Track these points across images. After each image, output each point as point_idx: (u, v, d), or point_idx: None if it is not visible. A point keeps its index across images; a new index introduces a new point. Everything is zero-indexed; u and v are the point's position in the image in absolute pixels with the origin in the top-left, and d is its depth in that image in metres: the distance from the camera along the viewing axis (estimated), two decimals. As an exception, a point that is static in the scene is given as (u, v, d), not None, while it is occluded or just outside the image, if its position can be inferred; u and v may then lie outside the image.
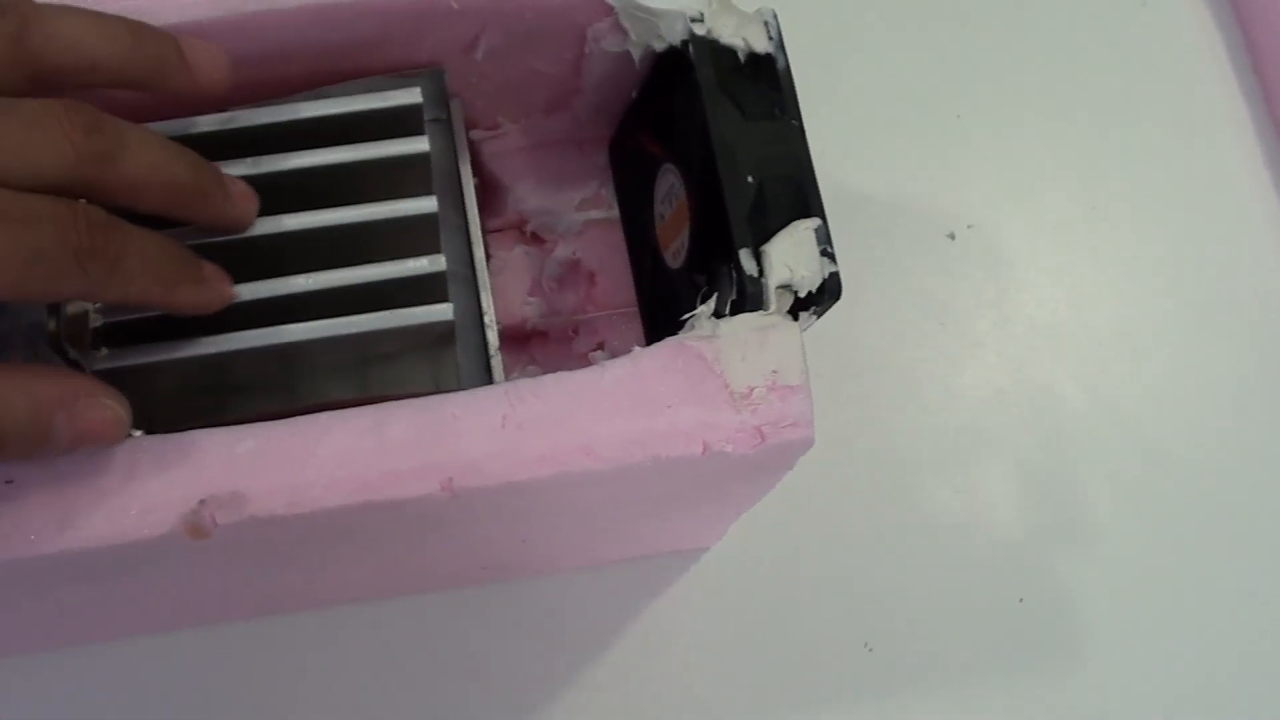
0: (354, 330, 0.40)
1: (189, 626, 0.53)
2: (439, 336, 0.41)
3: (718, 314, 0.39)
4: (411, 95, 0.41)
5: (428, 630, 0.51)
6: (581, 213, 0.49)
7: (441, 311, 0.40)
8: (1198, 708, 0.53)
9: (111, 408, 0.34)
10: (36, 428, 0.32)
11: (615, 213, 0.49)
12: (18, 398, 0.32)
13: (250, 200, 0.39)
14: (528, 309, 0.48)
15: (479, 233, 0.43)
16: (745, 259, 0.38)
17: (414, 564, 0.47)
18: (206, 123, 0.41)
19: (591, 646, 0.51)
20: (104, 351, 0.39)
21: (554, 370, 0.46)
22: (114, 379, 0.39)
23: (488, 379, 0.43)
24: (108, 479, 0.36)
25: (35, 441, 0.33)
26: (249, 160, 0.40)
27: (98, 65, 0.34)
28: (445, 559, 0.47)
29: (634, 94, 0.45)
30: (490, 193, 0.49)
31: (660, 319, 0.46)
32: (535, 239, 0.49)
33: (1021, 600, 0.53)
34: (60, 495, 0.36)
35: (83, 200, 0.32)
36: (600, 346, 0.48)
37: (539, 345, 0.48)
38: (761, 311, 0.38)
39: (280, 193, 0.40)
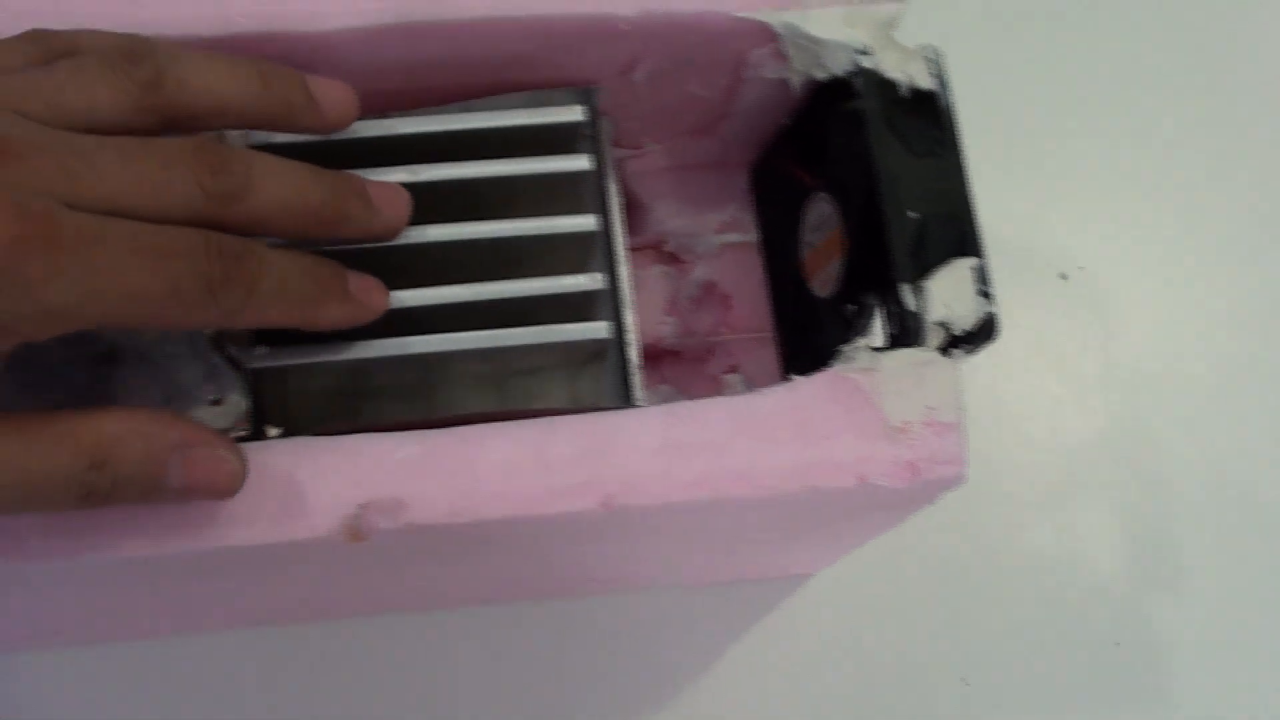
0: (509, 343, 0.40)
1: (277, 623, 0.53)
2: (588, 354, 0.42)
3: (876, 347, 0.39)
4: (573, 113, 0.41)
5: (530, 638, 0.51)
6: (720, 235, 0.49)
7: (596, 329, 0.40)
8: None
9: (228, 460, 0.34)
10: (149, 472, 0.32)
11: (754, 237, 0.49)
12: (134, 440, 0.32)
13: (400, 204, 0.38)
14: (663, 328, 0.49)
15: (625, 252, 0.43)
16: (906, 294, 0.38)
17: (530, 574, 0.47)
18: (366, 128, 0.41)
19: (693, 665, 0.51)
20: (261, 350, 0.39)
21: (687, 391, 0.47)
22: (268, 377, 0.40)
23: (626, 397, 0.43)
24: (270, 479, 0.36)
25: (147, 487, 0.32)
26: (407, 168, 0.40)
27: (228, 109, 0.35)
28: (561, 570, 0.47)
29: (785, 121, 0.45)
30: (630, 211, 0.49)
31: (799, 346, 0.47)
32: (673, 259, 0.49)
33: (1118, 644, 0.54)
34: (221, 493, 0.36)
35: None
36: (733, 369, 0.48)
37: (671, 365, 0.48)
38: (919, 347, 0.39)
39: (430, 202, 0.41)
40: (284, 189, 0.34)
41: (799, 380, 0.38)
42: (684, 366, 0.48)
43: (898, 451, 0.38)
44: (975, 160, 0.59)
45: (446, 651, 0.52)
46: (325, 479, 0.36)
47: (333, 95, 0.37)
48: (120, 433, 0.32)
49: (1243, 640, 0.54)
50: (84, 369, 0.38)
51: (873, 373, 0.38)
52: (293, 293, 0.34)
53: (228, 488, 0.34)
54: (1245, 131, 0.62)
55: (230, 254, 0.32)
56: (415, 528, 0.36)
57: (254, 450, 0.37)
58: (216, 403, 0.38)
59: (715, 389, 0.48)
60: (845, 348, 0.39)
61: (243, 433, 0.38)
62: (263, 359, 0.39)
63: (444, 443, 0.37)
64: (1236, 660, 0.54)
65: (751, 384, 0.48)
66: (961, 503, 0.55)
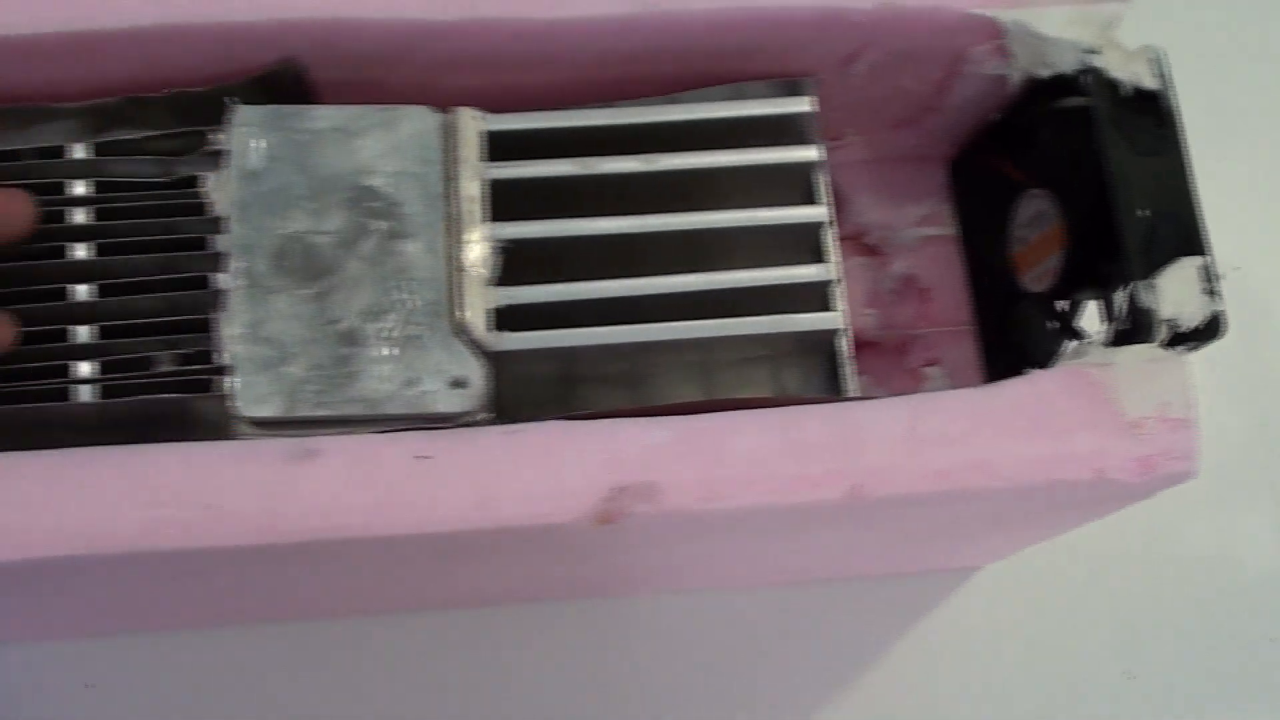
0: (739, 332, 0.40)
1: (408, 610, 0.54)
2: (806, 343, 0.42)
3: (1108, 344, 0.39)
4: (802, 104, 0.42)
5: (706, 626, 0.52)
6: (919, 229, 0.50)
7: (829, 320, 0.41)
8: None
9: None
10: None
11: (952, 231, 0.50)
12: None
13: (16, 205, 0.38)
14: (864, 320, 0.49)
15: (837, 243, 0.43)
16: (1139, 291, 0.39)
17: (727, 563, 0.48)
18: (600, 115, 0.41)
19: (866, 657, 0.52)
20: (504, 334, 0.39)
21: (885, 383, 0.47)
22: (507, 360, 0.40)
23: (836, 387, 0.43)
24: (525, 461, 0.36)
25: None
26: (642, 158, 0.41)
27: None
28: (764, 560, 0.48)
29: (994, 117, 0.45)
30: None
31: (1001, 341, 0.47)
32: (873, 251, 0.49)
33: (1273, 640, 0.54)
34: (476, 474, 0.37)
35: None
36: (933, 363, 0.49)
37: (870, 356, 0.49)
38: (1150, 344, 0.39)
39: (671, 190, 0.41)
40: None
41: (1036, 374, 0.38)
42: (883, 358, 0.49)
43: (1133, 446, 0.38)
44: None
45: (642, 639, 0.52)
46: (581, 462, 0.36)
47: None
48: None
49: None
50: (326, 349, 0.38)
51: (1108, 368, 0.39)
52: None
53: None
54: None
55: None
56: (665, 513, 0.37)
57: (504, 432, 0.37)
58: (459, 385, 0.38)
59: (914, 382, 0.48)
60: (1073, 344, 0.40)
61: (490, 415, 0.38)
62: (504, 344, 0.39)
63: (694, 429, 0.37)
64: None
65: (952, 377, 0.49)
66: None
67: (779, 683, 0.52)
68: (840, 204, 0.49)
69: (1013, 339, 0.45)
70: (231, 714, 0.51)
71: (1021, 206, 0.44)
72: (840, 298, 0.43)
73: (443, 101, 0.41)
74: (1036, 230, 0.44)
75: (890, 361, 0.49)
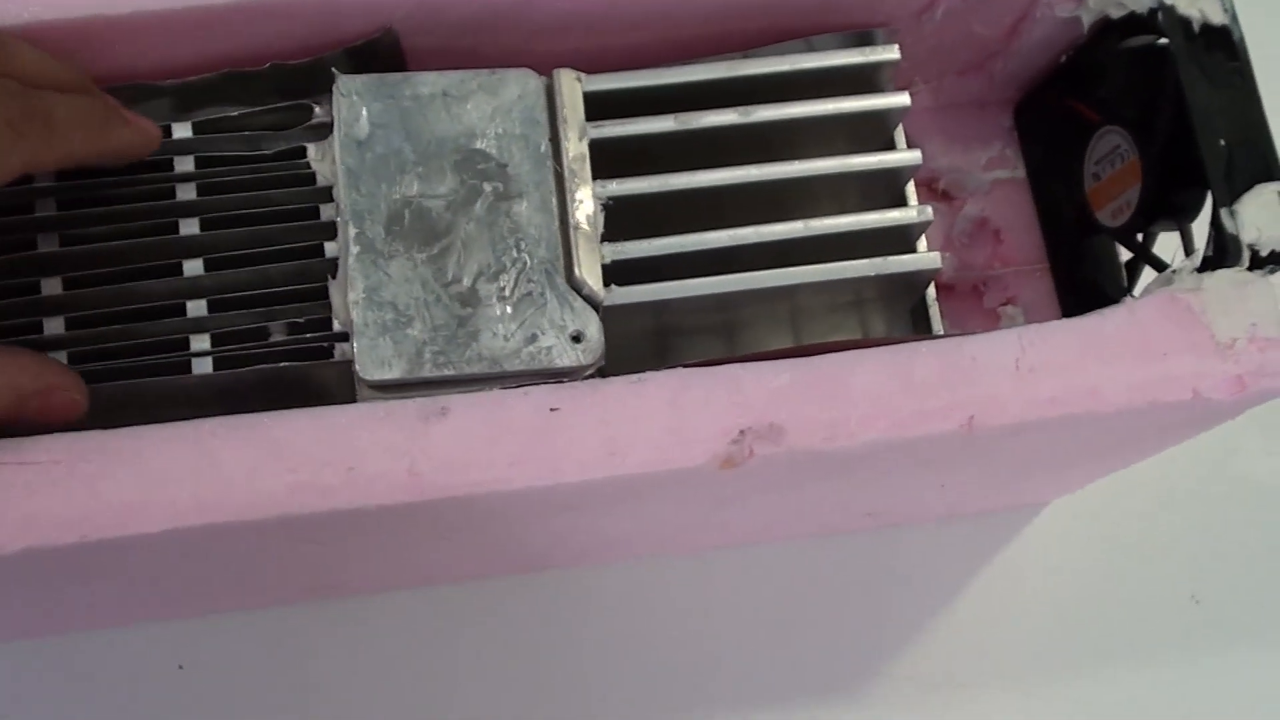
0: (843, 276, 0.41)
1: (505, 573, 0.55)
2: (893, 286, 0.43)
3: (1198, 269, 0.41)
4: (890, 52, 0.43)
5: (789, 575, 0.53)
6: (988, 172, 0.51)
7: (929, 260, 0.42)
8: None
9: (76, 401, 0.38)
10: (15, 415, 0.37)
11: (1020, 173, 0.51)
12: (3, 391, 0.36)
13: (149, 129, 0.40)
14: (941, 263, 0.50)
15: (912, 187, 0.45)
16: (1225, 218, 0.40)
17: (826, 507, 0.49)
18: (696, 71, 0.42)
19: (943, 594, 0.54)
20: (613, 289, 0.40)
21: (964, 325, 0.49)
22: (613, 314, 0.41)
23: (922, 328, 0.44)
24: (652, 409, 0.37)
25: (10, 424, 0.37)
26: (739, 110, 0.42)
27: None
28: (849, 504, 0.49)
29: (1062, 59, 0.47)
30: (901, 149, 0.50)
31: (1078, 276, 0.49)
32: (945, 196, 0.51)
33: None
34: (606, 423, 0.38)
35: None
36: (1009, 302, 0.50)
37: (947, 299, 0.50)
38: (1237, 268, 0.41)
39: (770, 141, 0.42)
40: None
41: (1133, 302, 0.40)
42: (960, 301, 0.50)
43: (1227, 366, 0.40)
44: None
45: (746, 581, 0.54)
46: (706, 407, 0.37)
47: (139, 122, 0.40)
48: None
49: None
50: (445, 310, 0.39)
51: (1199, 292, 0.40)
52: (86, 119, 0.38)
53: (73, 418, 0.38)
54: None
55: (18, 93, 0.36)
56: (793, 453, 0.38)
57: (629, 381, 0.38)
58: (577, 339, 0.39)
59: (993, 321, 0.50)
60: (1164, 273, 0.41)
61: (601, 364, 0.39)
62: (616, 298, 0.40)
63: (813, 370, 0.38)
64: None
65: (1028, 315, 0.50)
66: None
67: (855, 628, 0.53)
68: (911, 151, 0.51)
69: (1086, 274, 0.47)
70: (338, 685, 0.52)
71: (1095, 144, 0.46)
72: (921, 239, 0.44)
73: (538, 65, 0.41)
74: (1111, 166, 0.45)
75: (968, 303, 0.50)
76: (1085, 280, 0.47)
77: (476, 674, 0.52)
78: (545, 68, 0.42)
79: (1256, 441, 0.58)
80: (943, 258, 0.51)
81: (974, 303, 0.50)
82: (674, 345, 0.46)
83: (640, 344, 0.45)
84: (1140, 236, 0.45)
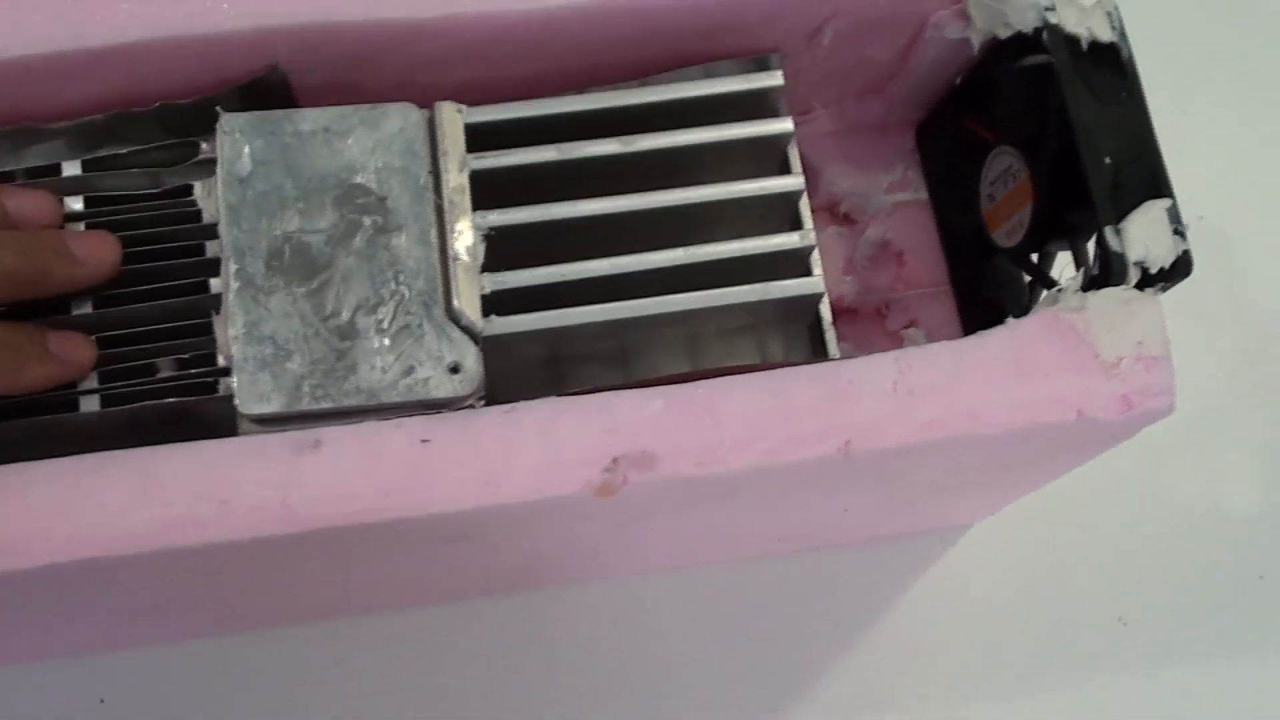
0: (723, 303, 0.41)
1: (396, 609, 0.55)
2: (788, 310, 0.43)
3: (1081, 289, 0.40)
4: (775, 78, 0.43)
5: (710, 600, 0.53)
6: (890, 195, 0.51)
7: (810, 285, 0.42)
8: None
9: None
10: None
11: (923, 195, 0.51)
12: None
13: (105, 250, 0.40)
14: (842, 287, 0.50)
15: (809, 213, 0.45)
16: (1110, 236, 0.40)
17: (728, 533, 0.49)
18: (578, 102, 0.42)
19: (864, 618, 0.53)
20: (493, 319, 0.40)
21: (866, 348, 0.48)
22: (497, 344, 0.41)
23: (820, 352, 0.44)
24: (523, 438, 0.37)
25: None
26: (620, 139, 0.42)
27: None
28: (741, 533, 0.49)
29: (957, 80, 0.47)
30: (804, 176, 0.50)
31: (977, 297, 0.48)
32: (847, 220, 0.51)
33: (1261, 577, 0.56)
34: (478, 453, 0.38)
35: None
36: (912, 324, 0.50)
37: (850, 322, 0.50)
38: (1123, 286, 0.40)
39: (652, 170, 0.42)
40: None
41: (1015, 322, 0.39)
42: (863, 324, 0.50)
43: (1112, 386, 0.39)
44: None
45: (628, 619, 0.53)
46: (578, 435, 0.38)
47: (92, 249, 0.39)
48: None
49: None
50: (324, 343, 0.39)
51: (1083, 311, 0.40)
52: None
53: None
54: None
55: None
56: (664, 480, 0.38)
57: (502, 412, 0.38)
58: (454, 370, 0.39)
59: (895, 344, 0.50)
60: (1048, 291, 0.41)
61: (482, 397, 0.40)
62: (495, 328, 0.40)
63: (686, 397, 0.38)
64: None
65: (931, 337, 0.50)
66: (1103, 447, 0.57)
67: (777, 653, 0.53)
68: (811, 176, 0.51)
69: (988, 295, 0.47)
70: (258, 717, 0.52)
71: (989, 164, 0.46)
72: (817, 263, 0.44)
73: (423, 98, 0.42)
74: (1005, 186, 0.45)
75: (871, 326, 0.50)
76: (987, 301, 0.47)
77: (392, 703, 0.52)
78: (433, 100, 0.42)
79: (1181, 461, 0.57)
80: (845, 281, 0.52)
81: (877, 325, 0.50)
82: (569, 374, 0.46)
83: (535, 373, 0.45)
84: (1037, 257, 0.45)
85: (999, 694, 0.53)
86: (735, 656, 0.53)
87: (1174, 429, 0.57)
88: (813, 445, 0.38)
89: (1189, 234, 0.61)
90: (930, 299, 0.50)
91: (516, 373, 0.43)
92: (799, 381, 0.38)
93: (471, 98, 0.42)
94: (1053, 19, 0.42)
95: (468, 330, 0.40)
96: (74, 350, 0.39)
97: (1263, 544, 0.56)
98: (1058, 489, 0.55)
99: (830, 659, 0.53)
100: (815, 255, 0.43)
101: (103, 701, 0.52)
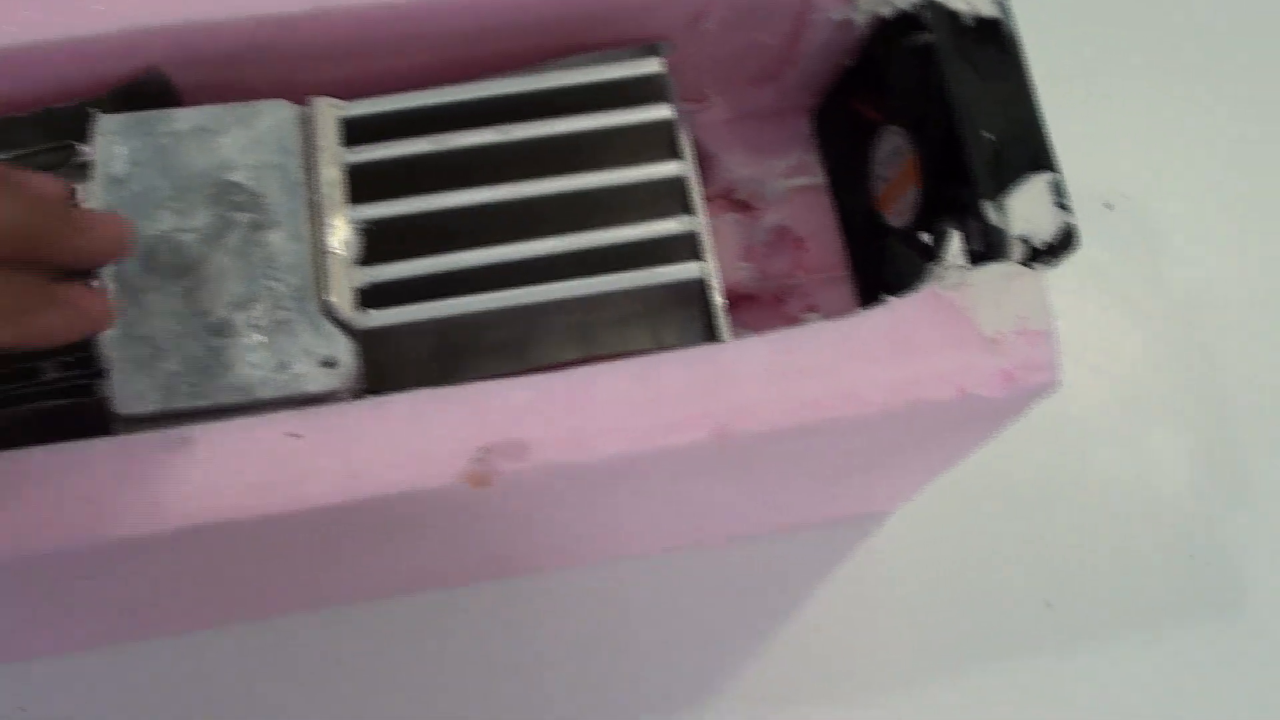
0: (602, 290, 0.41)
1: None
2: (672, 299, 0.43)
3: (964, 265, 0.40)
4: (651, 65, 0.42)
5: (615, 596, 0.53)
6: (788, 180, 0.51)
7: (689, 270, 0.41)
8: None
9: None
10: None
11: (820, 180, 0.51)
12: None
13: (115, 225, 0.36)
14: (740, 274, 0.50)
15: (702, 200, 0.44)
16: (989, 211, 0.40)
17: (621, 523, 0.48)
18: (454, 93, 0.42)
19: (780, 612, 0.52)
20: (370, 312, 0.40)
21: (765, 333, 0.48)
22: (375, 340, 0.41)
23: (712, 338, 0.44)
24: (392, 430, 0.37)
25: None
26: (497, 128, 0.42)
27: None
28: (655, 518, 0.48)
29: (848, 62, 0.46)
30: (700, 163, 0.50)
31: (874, 280, 0.48)
32: (744, 206, 0.50)
33: (1191, 557, 0.55)
34: (346, 446, 0.37)
35: None
36: (812, 309, 0.50)
37: (748, 309, 0.49)
38: (1005, 261, 0.40)
39: (530, 158, 0.42)
40: None
41: (894, 301, 0.39)
42: (762, 310, 0.50)
43: (994, 361, 0.39)
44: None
45: (523, 621, 0.53)
46: (446, 426, 0.37)
47: (101, 221, 0.36)
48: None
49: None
50: (198, 341, 0.39)
51: (964, 288, 0.39)
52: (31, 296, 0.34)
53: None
54: None
55: None
56: (536, 469, 0.37)
57: (372, 405, 0.38)
58: (329, 364, 0.39)
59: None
60: (933, 269, 0.40)
61: (363, 390, 0.39)
62: (371, 321, 0.40)
63: (556, 384, 0.38)
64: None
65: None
66: (1028, 430, 0.56)
67: (699, 644, 0.52)
68: (709, 163, 0.50)
69: (885, 277, 0.46)
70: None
71: (879, 146, 0.45)
72: (705, 249, 0.43)
73: (307, 93, 0.42)
74: (894, 167, 0.44)
75: (770, 312, 0.50)
76: (886, 284, 0.46)
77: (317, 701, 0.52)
78: (319, 95, 0.42)
79: (1109, 443, 0.56)
80: (743, 268, 0.51)
81: (777, 312, 0.49)
82: (462, 366, 0.45)
83: (427, 366, 0.45)
84: (931, 236, 0.44)
85: (923, 680, 0.52)
86: (655, 648, 0.52)
87: (1101, 410, 0.57)
88: (684, 431, 0.38)
89: (1115, 212, 0.61)
90: (829, 283, 0.50)
91: (406, 366, 0.42)
92: (672, 367, 0.38)
93: (358, 93, 0.42)
94: (933, -4, 0.41)
95: (342, 324, 0.40)
96: (88, 299, 0.35)
97: (1192, 524, 0.55)
98: (983, 473, 0.55)
99: (752, 648, 0.52)
100: (704, 240, 0.43)
101: (24, 710, 0.52)
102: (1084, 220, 0.59)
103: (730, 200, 0.50)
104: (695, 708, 0.51)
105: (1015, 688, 0.52)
